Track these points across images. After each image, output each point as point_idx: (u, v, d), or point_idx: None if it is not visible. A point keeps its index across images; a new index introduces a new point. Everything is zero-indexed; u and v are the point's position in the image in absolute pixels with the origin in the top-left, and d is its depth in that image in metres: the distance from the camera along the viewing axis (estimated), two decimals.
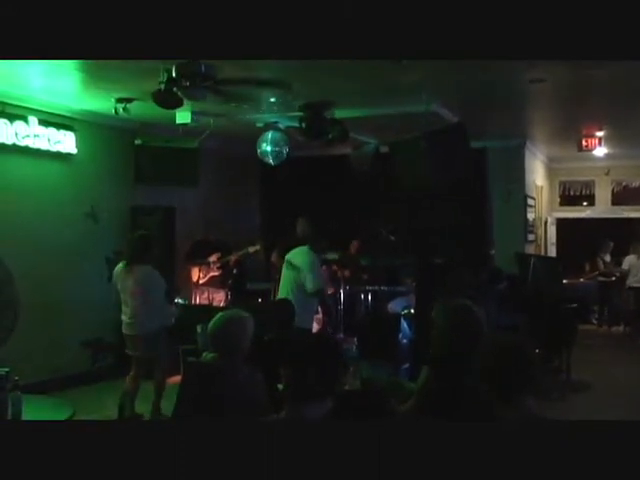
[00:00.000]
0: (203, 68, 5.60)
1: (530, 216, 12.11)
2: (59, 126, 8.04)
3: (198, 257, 9.95)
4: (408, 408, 3.78)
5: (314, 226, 9.59)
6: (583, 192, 14.76)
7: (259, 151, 8.59)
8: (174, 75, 5.70)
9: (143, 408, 6.75)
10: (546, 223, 14.28)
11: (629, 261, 12.74)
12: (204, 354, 4.15)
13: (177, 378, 6.35)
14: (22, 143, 7.58)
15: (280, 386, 4.42)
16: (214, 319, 4.02)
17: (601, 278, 13.27)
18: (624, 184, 14.45)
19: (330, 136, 8.09)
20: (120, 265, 6.81)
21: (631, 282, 12.63)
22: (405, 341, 8.25)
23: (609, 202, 14.46)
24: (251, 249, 9.96)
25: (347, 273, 10.52)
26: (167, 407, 6.13)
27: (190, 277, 10.00)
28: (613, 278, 13.19)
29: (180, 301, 9.31)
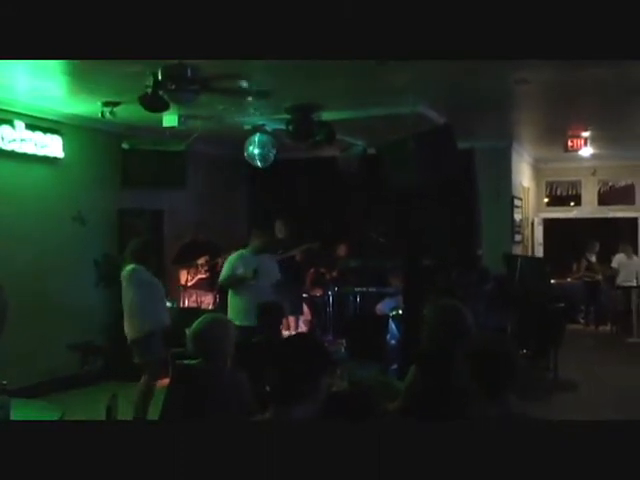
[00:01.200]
0: (189, 71, 5.60)
1: (517, 217, 12.18)
2: (46, 130, 8.02)
3: (186, 260, 9.94)
4: (396, 407, 3.82)
5: (292, 227, 9.66)
6: (569, 192, 14.83)
7: (246, 153, 8.60)
8: (160, 78, 5.69)
9: (130, 413, 6.65)
10: (533, 223, 14.36)
11: (618, 260, 12.84)
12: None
13: (166, 381, 6.33)
14: (8, 147, 7.55)
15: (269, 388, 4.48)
16: (195, 324, 4.02)
17: (587, 278, 13.36)
18: (610, 184, 14.53)
19: (317, 138, 8.11)
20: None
21: (620, 281, 12.72)
22: (393, 342, 8.29)
23: (595, 202, 14.53)
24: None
25: (334, 275, 10.56)
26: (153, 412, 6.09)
27: (178, 280, 9.99)
28: (599, 277, 13.27)
29: (168, 304, 9.30)
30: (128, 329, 6.66)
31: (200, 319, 4.06)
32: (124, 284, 6.66)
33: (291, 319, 9.40)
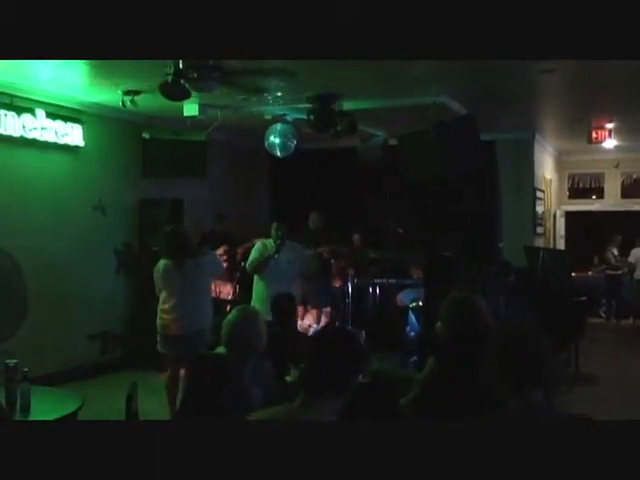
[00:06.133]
0: (210, 60, 5.58)
1: (539, 209, 12.07)
2: (66, 119, 8.03)
3: None
4: (411, 398, 3.78)
5: (325, 220, 9.61)
6: (592, 185, 14.68)
7: (267, 143, 8.57)
8: (181, 67, 5.68)
9: (149, 402, 6.64)
10: (555, 216, 14.23)
11: (635, 254, 12.68)
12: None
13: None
14: (29, 136, 7.56)
15: (288, 378, 4.46)
16: (227, 318, 4.04)
17: (609, 271, 13.22)
18: (634, 177, 14.35)
19: (338, 128, 8.05)
20: (164, 262, 6.46)
21: (638, 275, 12.57)
22: (413, 334, 8.26)
23: (618, 195, 14.38)
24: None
25: (352, 266, 10.50)
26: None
27: None
28: (620, 272, 13.12)
29: None
30: (200, 319, 6.44)
31: (231, 314, 4.08)
32: (193, 268, 6.40)
33: (315, 311, 9.36)
